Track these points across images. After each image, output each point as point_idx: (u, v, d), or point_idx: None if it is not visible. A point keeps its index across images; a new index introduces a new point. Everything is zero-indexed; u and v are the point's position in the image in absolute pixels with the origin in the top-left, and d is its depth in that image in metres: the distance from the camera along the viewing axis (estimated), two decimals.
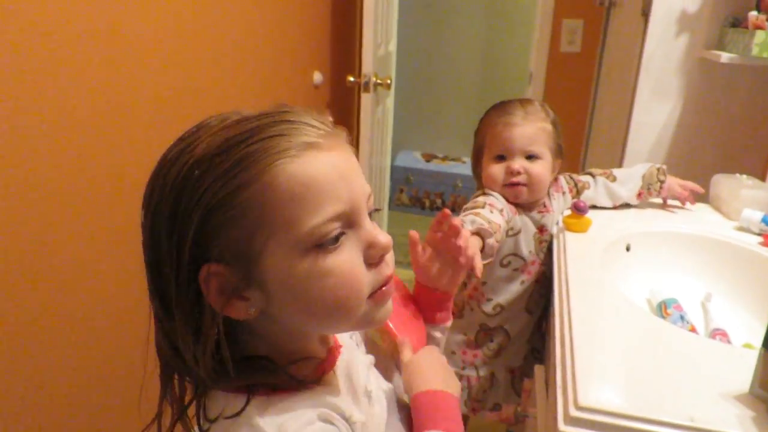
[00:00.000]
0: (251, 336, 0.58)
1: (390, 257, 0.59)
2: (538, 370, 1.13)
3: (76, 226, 1.13)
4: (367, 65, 2.30)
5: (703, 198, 1.44)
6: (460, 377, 1.32)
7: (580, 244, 1.13)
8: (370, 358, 0.71)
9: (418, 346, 0.75)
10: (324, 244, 0.53)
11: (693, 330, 1.07)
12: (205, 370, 0.54)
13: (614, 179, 1.32)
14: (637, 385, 0.75)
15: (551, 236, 1.25)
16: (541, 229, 1.24)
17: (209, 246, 0.52)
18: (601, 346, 0.83)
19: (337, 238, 0.53)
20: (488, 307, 1.27)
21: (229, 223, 0.52)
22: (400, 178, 3.78)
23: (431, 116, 4.02)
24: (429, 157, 3.95)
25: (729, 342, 1.03)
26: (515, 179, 1.17)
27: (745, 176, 1.35)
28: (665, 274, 1.21)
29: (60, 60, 1.07)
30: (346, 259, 0.54)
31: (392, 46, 2.82)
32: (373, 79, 2.34)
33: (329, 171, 0.53)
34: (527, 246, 1.23)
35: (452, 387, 0.69)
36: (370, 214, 0.58)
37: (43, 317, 1.07)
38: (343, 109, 2.84)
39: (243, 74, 1.77)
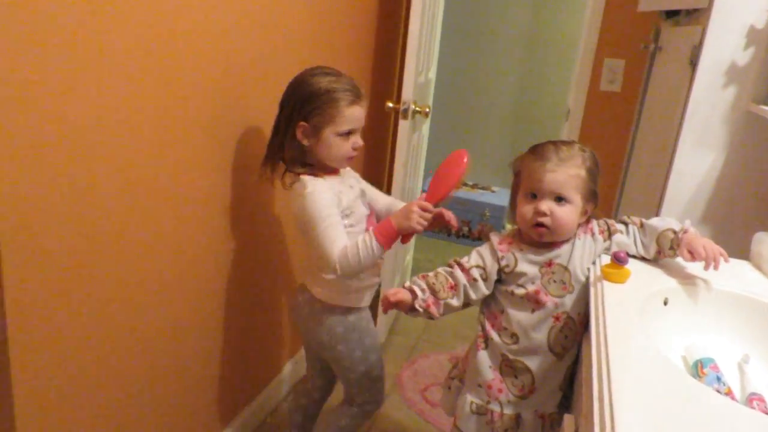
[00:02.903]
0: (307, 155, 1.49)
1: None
2: (568, 419, 1.12)
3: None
4: (407, 93, 2.31)
5: (743, 255, 1.42)
6: (485, 410, 1.32)
7: (618, 296, 1.12)
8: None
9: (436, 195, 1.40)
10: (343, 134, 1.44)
11: (729, 392, 1.06)
12: (295, 162, 1.48)
13: (644, 235, 1.31)
14: None
15: (564, 271, 1.25)
16: (549, 262, 1.26)
17: (308, 116, 1.43)
18: (641, 408, 0.82)
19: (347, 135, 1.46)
20: (506, 336, 1.30)
21: (320, 113, 1.42)
22: None
23: (464, 143, 4.00)
24: None
25: (767, 407, 1.01)
26: (540, 219, 1.23)
27: None
28: (702, 331, 1.19)
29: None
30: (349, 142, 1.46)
31: (432, 73, 2.84)
32: (412, 106, 2.36)
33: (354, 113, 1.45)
34: (530, 277, 1.26)
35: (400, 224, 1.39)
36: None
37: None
38: (379, 132, 2.86)
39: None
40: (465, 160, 1.38)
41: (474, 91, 3.93)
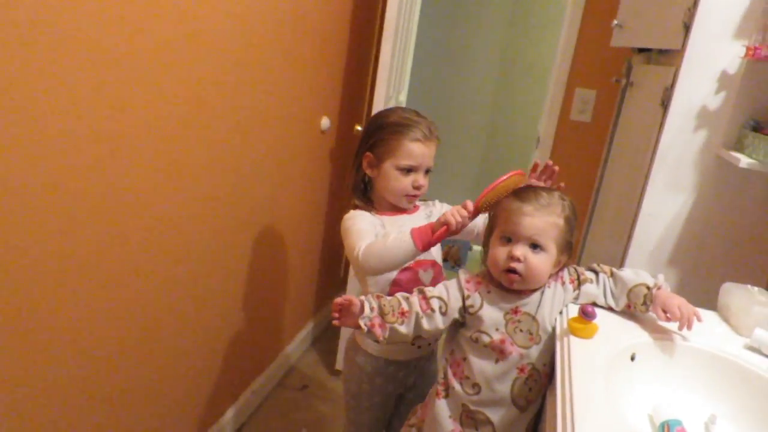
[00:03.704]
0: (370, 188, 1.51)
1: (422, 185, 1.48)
2: None
3: None
4: None
5: (711, 302, 1.39)
6: None
7: (585, 353, 1.08)
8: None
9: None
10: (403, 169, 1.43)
11: None
12: (356, 191, 1.51)
13: (614, 286, 1.26)
14: None
15: (532, 320, 1.20)
16: (516, 309, 1.21)
17: (373, 146, 1.45)
18: None
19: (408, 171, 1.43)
20: (467, 386, 1.24)
21: (383, 144, 1.43)
22: None
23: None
24: None
25: None
26: (513, 265, 1.17)
27: (757, 289, 1.31)
28: (669, 389, 1.15)
29: None
30: (408, 179, 1.43)
31: (403, 96, 2.79)
32: None
33: (417, 149, 1.43)
34: (494, 323, 1.21)
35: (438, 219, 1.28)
36: (426, 172, 1.47)
37: None
38: (347, 156, 2.80)
39: (257, 108, 1.79)
40: (511, 173, 1.23)
41: (445, 115, 3.91)
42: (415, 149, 1.42)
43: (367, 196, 1.50)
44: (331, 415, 2.30)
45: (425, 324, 1.21)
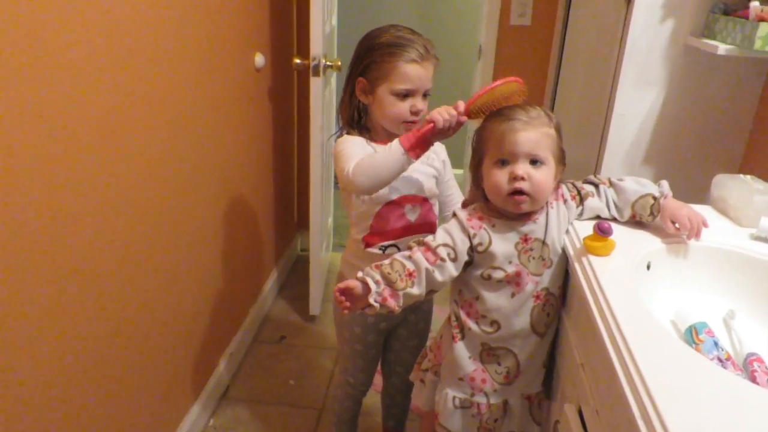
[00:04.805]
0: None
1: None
2: (570, 410, 1.04)
3: None
4: (316, 46, 2.09)
5: (692, 199, 1.36)
6: (470, 404, 1.23)
7: (606, 269, 1.04)
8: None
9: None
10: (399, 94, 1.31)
11: (729, 358, 1.01)
12: (350, 123, 1.39)
13: (616, 195, 1.22)
14: None
15: (542, 246, 1.15)
16: (525, 238, 1.15)
17: (365, 70, 1.33)
18: (686, 397, 0.74)
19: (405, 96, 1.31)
20: (485, 324, 1.19)
21: (376, 67, 1.31)
22: None
23: None
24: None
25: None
26: (518, 185, 1.09)
27: (750, 177, 1.30)
28: (686, 292, 1.15)
29: None
30: (405, 104, 1.31)
31: (335, 20, 2.61)
32: (323, 61, 2.14)
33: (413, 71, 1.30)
34: (506, 257, 1.15)
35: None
36: (424, 95, 1.34)
37: None
38: (287, 93, 2.62)
39: (181, 54, 1.58)
40: (510, 79, 1.16)
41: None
42: (411, 71, 1.29)
43: (361, 124, 1.39)
44: (314, 362, 2.25)
45: (438, 276, 1.12)
